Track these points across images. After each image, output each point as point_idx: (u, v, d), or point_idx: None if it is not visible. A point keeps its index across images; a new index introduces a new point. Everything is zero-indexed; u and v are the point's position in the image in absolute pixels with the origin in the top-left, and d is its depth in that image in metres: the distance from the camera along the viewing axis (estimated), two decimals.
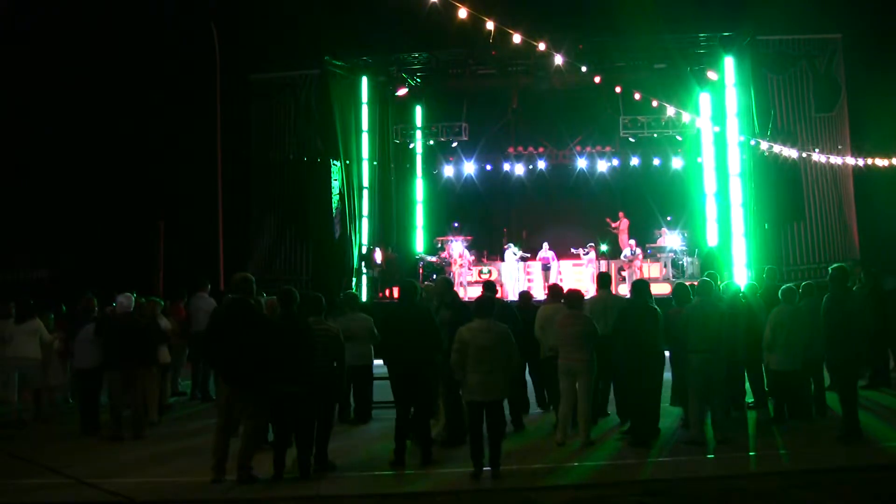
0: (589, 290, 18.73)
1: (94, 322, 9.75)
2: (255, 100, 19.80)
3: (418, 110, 22.50)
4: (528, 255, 20.06)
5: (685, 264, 18.85)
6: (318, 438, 7.35)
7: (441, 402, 8.49)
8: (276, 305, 8.68)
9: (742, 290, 10.60)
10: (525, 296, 10.75)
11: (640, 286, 8.69)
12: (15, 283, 21.10)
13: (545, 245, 19.51)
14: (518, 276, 19.58)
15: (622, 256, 19.64)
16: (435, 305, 8.51)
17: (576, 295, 8.50)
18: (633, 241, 19.52)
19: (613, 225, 20.65)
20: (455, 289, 10.37)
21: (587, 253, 19.22)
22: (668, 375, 8.74)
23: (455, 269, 19.33)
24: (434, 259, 20.27)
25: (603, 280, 9.81)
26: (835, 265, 8.17)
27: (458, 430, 8.26)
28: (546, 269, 19.18)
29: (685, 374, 8.40)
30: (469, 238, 20.71)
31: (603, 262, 19.05)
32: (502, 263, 20.03)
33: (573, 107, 21.31)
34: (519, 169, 22.33)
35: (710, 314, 8.18)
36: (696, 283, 9.08)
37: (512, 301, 13.02)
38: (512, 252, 19.73)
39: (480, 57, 19.29)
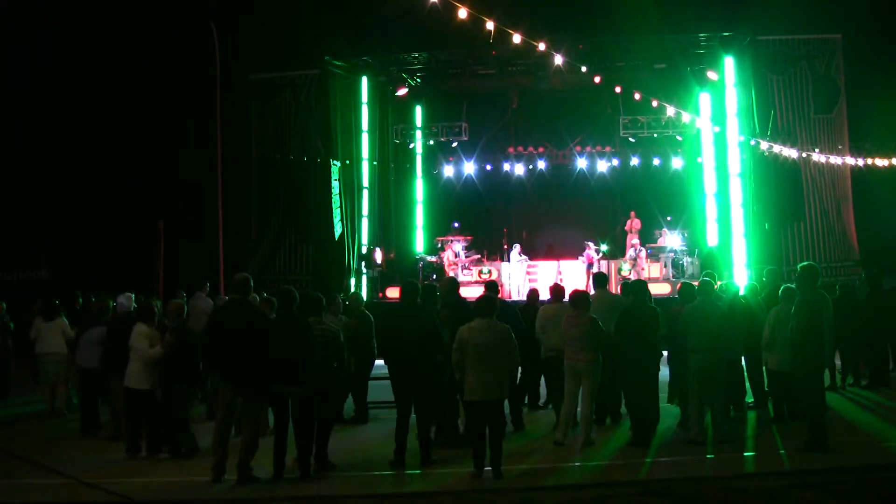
0: (588, 290, 18.73)
1: (103, 324, 9.73)
2: (255, 100, 19.78)
3: (418, 110, 22.47)
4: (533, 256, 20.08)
5: (685, 264, 18.82)
6: (318, 438, 7.34)
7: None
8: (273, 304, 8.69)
9: (742, 290, 10.61)
10: (532, 294, 10.64)
11: (640, 287, 8.71)
12: (15, 283, 21.13)
13: (589, 244, 19.26)
14: (522, 276, 19.56)
15: (627, 256, 19.62)
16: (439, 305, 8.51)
17: (581, 295, 8.50)
18: (636, 241, 19.51)
19: (627, 227, 20.59)
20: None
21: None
22: (663, 372, 8.75)
23: (449, 269, 19.30)
24: (434, 259, 20.26)
25: (600, 280, 9.84)
26: (802, 264, 8.01)
27: (453, 430, 8.27)
28: (590, 267, 19.01)
29: (685, 374, 8.42)
30: (469, 238, 20.68)
31: (603, 263, 19.02)
32: (504, 263, 20.01)
33: (573, 107, 21.29)
34: (519, 169, 22.30)
35: (709, 314, 8.18)
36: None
37: (517, 301, 12.99)
38: (517, 252, 19.72)
39: (480, 57, 19.25)
